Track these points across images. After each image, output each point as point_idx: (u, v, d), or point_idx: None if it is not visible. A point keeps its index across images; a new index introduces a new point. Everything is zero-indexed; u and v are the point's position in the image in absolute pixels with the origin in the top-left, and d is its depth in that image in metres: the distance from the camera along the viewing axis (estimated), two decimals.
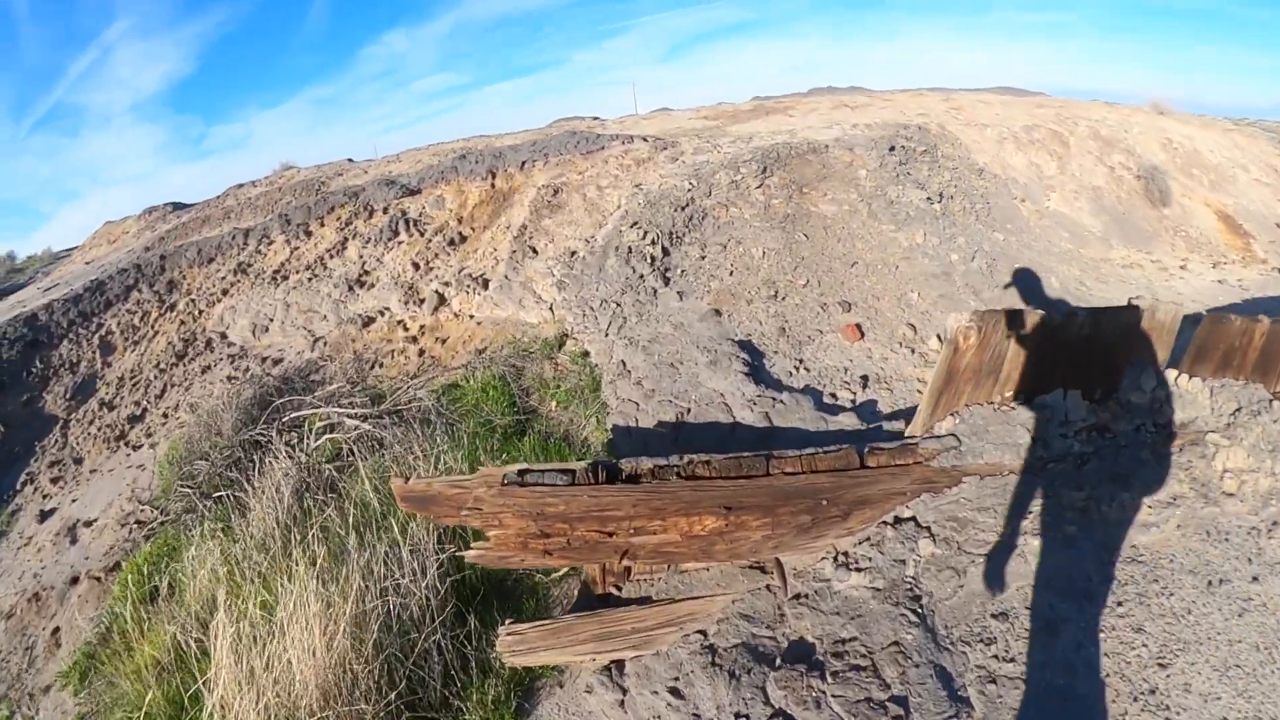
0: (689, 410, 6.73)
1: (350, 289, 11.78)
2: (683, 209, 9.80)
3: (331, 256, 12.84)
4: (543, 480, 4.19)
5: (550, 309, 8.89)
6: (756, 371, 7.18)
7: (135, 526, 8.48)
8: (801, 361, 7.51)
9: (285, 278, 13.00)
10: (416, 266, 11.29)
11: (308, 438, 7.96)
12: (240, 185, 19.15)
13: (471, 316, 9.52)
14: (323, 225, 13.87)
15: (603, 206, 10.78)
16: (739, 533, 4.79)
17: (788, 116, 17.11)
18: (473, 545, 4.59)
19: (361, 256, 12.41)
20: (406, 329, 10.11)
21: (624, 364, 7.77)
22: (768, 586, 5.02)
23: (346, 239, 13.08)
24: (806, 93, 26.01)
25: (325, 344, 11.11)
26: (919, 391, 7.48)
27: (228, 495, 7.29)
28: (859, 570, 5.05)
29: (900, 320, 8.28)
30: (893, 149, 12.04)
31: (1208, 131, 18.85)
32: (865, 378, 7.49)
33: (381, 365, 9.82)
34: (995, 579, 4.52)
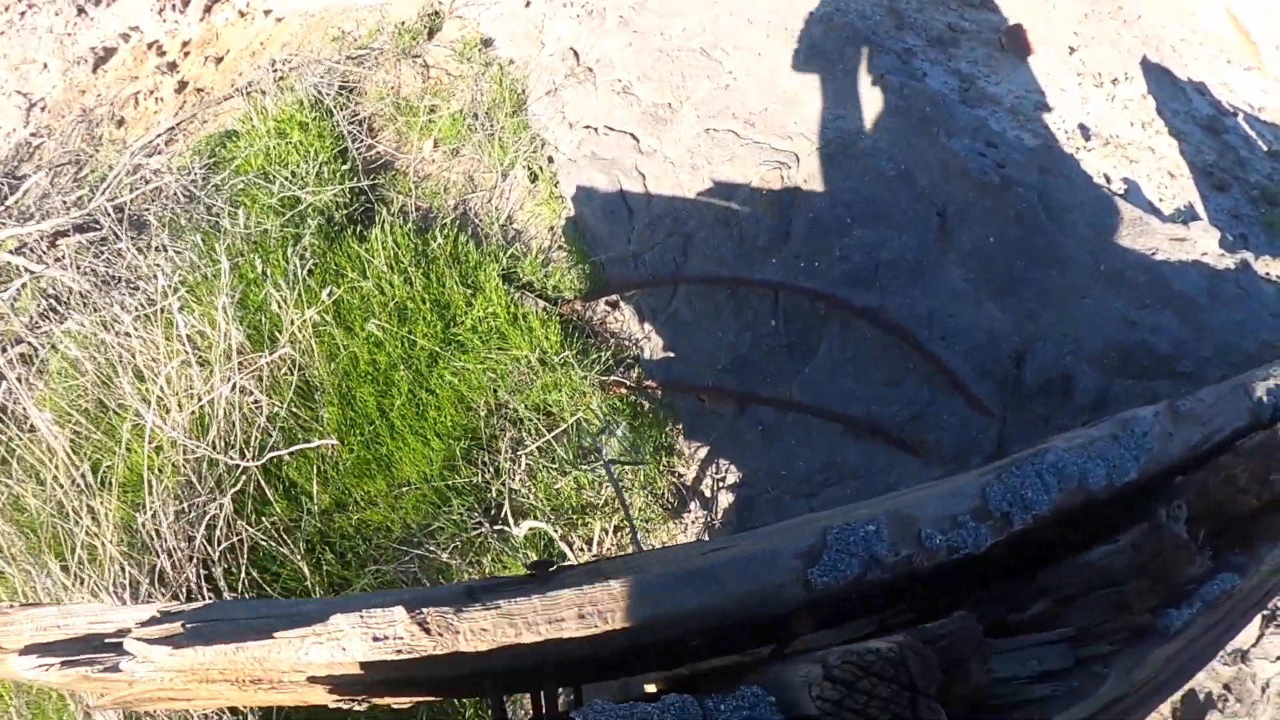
0: (798, 159, 2.77)
1: (80, 12, 6.88)
2: None
3: None
4: None
5: None
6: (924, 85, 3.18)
7: None
8: (969, 81, 3.52)
9: None
10: None
11: None
12: None
13: (268, 12, 4.94)
14: None
15: None
16: None
17: None
18: None
19: None
20: (163, 53, 5.55)
21: (577, 56, 3.54)
22: None
23: None
24: None
25: (45, 109, 6.57)
26: (1170, 175, 4.09)
27: None
28: None
29: (1055, 37, 4.37)
30: None
31: None
32: (1084, 128, 3.70)
33: (124, 124, 5.33)
34: None
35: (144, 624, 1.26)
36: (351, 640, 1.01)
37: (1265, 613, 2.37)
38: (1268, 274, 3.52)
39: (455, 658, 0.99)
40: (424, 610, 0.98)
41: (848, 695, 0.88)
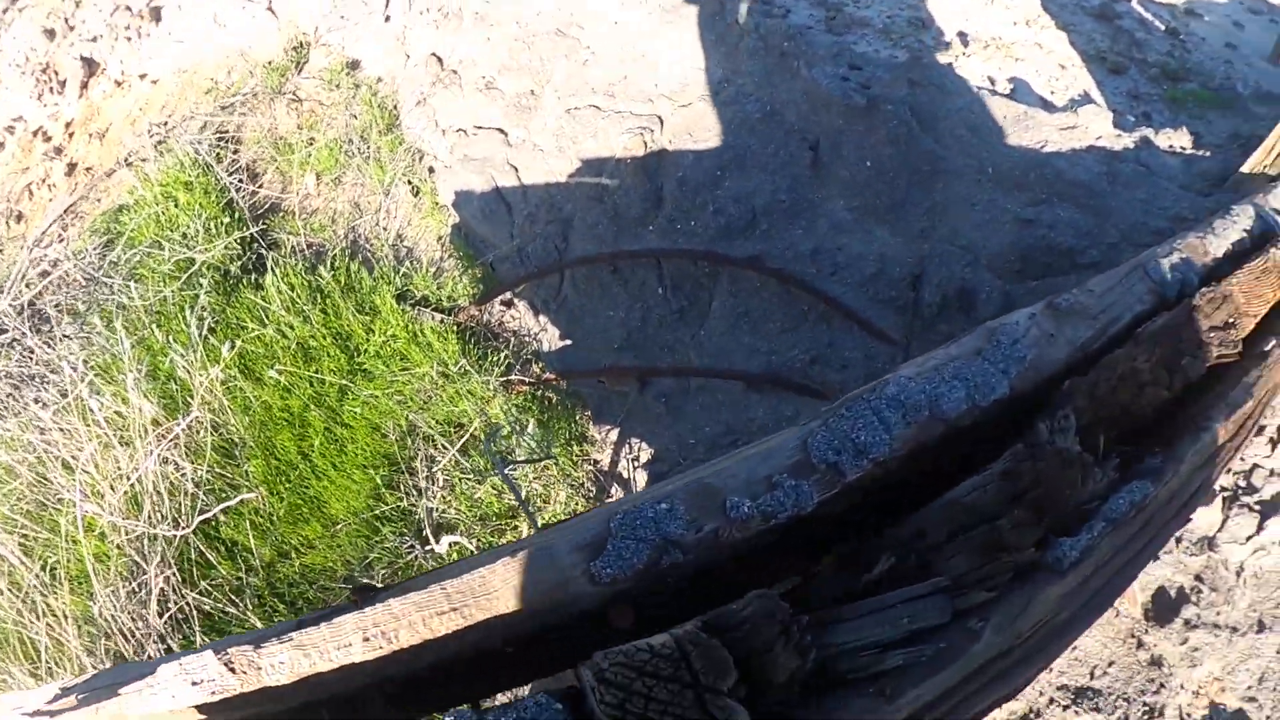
0: (662, 122, 2.74)
1: None
2: None
3: None
4: None
5: (269, 8, 4.29)
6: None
7: None
8: (835, 10, 3.53)
9: None
10: (51, 34, 6.21)
11: None
12: None
13: (143, 76, 4.85)
14: None
15: None
16: None
17: None
18: None
19: None
20: (48, 138, 5.42)
21: (440, 61, 3.49)
22: None
23: None
24: None
25: None
26: (1061, 67, 4.03)
27: None
28: None
29: None
30: None
31: None
32: (963, 35, 3.69)
33: (22, 219, 5.25)
34: None
35: (49, 701, 1.26)
36: (177, 687, 1.00)
37: (1226, 494, 2.19)
38: (1171, 147, 3.44)
39: (270, 692, 0.98)
40: (229, 650, 0.97)
41: (627, 698, 0.79)
